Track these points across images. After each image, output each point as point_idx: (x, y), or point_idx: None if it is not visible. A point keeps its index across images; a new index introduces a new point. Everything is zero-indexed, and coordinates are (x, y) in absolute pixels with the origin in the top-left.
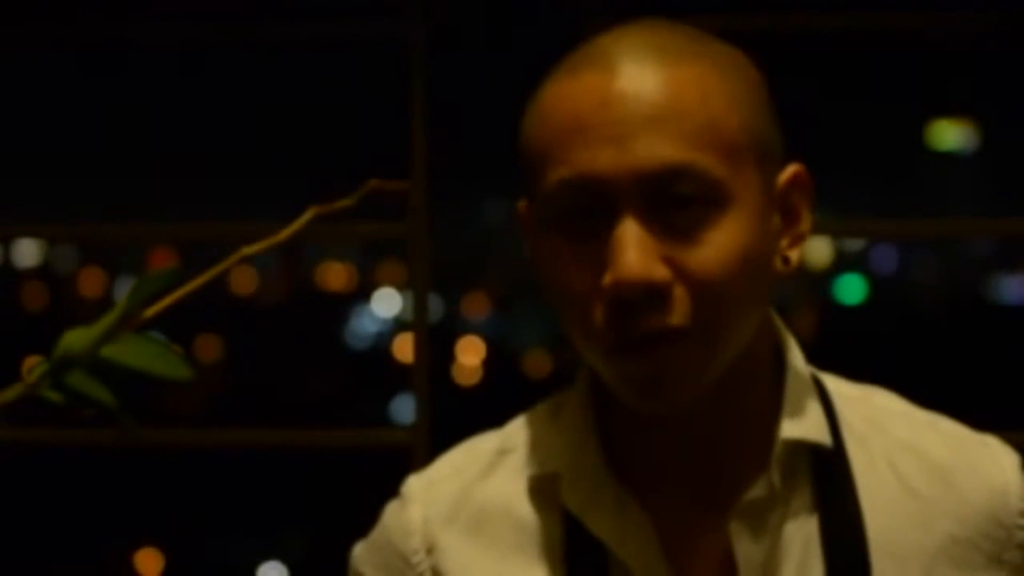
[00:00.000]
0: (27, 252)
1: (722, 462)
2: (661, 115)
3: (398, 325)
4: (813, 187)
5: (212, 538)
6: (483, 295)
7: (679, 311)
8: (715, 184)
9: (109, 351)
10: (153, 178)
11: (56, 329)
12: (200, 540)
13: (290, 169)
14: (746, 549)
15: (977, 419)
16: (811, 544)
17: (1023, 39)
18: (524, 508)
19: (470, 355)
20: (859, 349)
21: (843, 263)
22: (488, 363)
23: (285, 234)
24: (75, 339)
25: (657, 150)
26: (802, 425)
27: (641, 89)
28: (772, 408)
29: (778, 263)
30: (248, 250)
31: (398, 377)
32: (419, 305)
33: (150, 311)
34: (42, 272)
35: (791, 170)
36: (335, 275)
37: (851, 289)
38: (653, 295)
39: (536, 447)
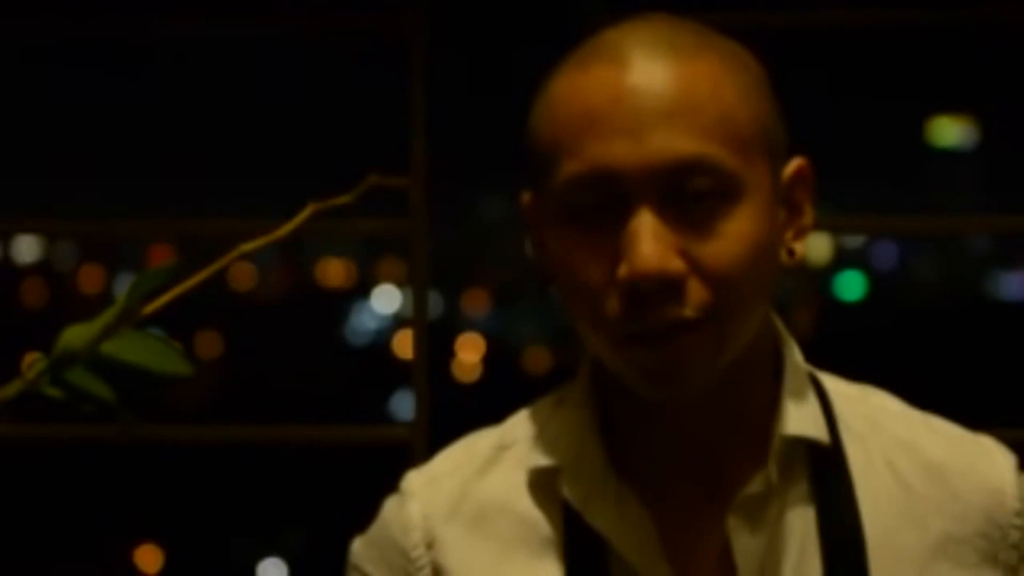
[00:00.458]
0: (27, 248)
1: (721, 457)
2: (674, 108)
3: (398, 321)
4: (815, 181)
5: (212, 534)
6: (483, 292)
7: (693, 302)
8: (729, 176)
9: (109, 347)
10: (153, 178)
11: (56, 325)
12: (200, 536)
13: (290, 165)
14: (744, 543)
15: (977, 415)
16: (808, 538)
17: (1022, 35)
18: (524, 502)
19: (470, 351)
20: (859, 345)
21: (843, 259)
22: (487, 359)
23: (284, 230)
24: (75, 335)
25: (672, 143)
26: (800, 421)
27: (654, 82)
28: (770, 404)
29: (784, 255)
30: (247, 246)
31: (397, 373)
32: (419, 301)
33: (150, 307)
34: (42, 268)
35: (795, 164)
36: (335, 272)
37: (851, 285)
38: (668, 287)
39: (536, 441)
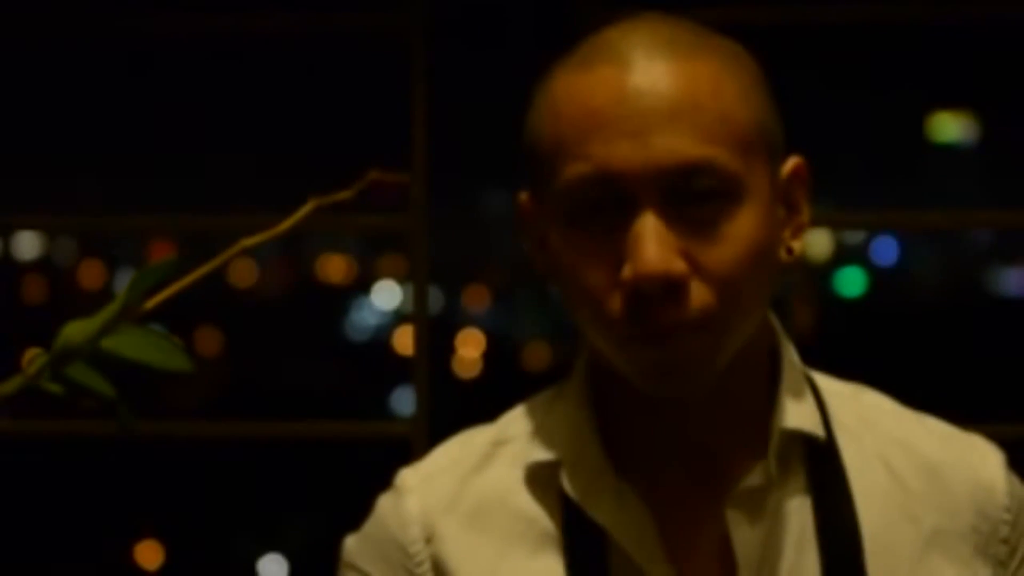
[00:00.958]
0: (27, 245)
1: (718, 451)
2: (677, 110)
3: (398, 317)
4: (811, 179)
5: (212, 530)
6: (483, 288)
7: (696, 304)
8: (731, 178)
9: (109, 343)
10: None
11: (56, 321)
12: (200, 532)
13: (290, 162)
14: (743, 535)
15: (977, 411)
16: (806, 531)
17: (1023, 31)
18: (522, 496)
19: (470, 347)
20: (860, 341)
21: (843, 255)
22: (488, 355)
23: (285, 226)
24: (75, 331)
25: (675, 145)
26: (798, 416)
27: (657, 83)
28: (767, 400)
29: (783, 253)
30: (248, 242)
31: (398, 369)
32: (419, 297)
33: (150, 303)
34: (42, 265)
35: (792, 163)
36: (335, 267)
37: (851, 281)
38: (671, 288)
39: (534, 436)
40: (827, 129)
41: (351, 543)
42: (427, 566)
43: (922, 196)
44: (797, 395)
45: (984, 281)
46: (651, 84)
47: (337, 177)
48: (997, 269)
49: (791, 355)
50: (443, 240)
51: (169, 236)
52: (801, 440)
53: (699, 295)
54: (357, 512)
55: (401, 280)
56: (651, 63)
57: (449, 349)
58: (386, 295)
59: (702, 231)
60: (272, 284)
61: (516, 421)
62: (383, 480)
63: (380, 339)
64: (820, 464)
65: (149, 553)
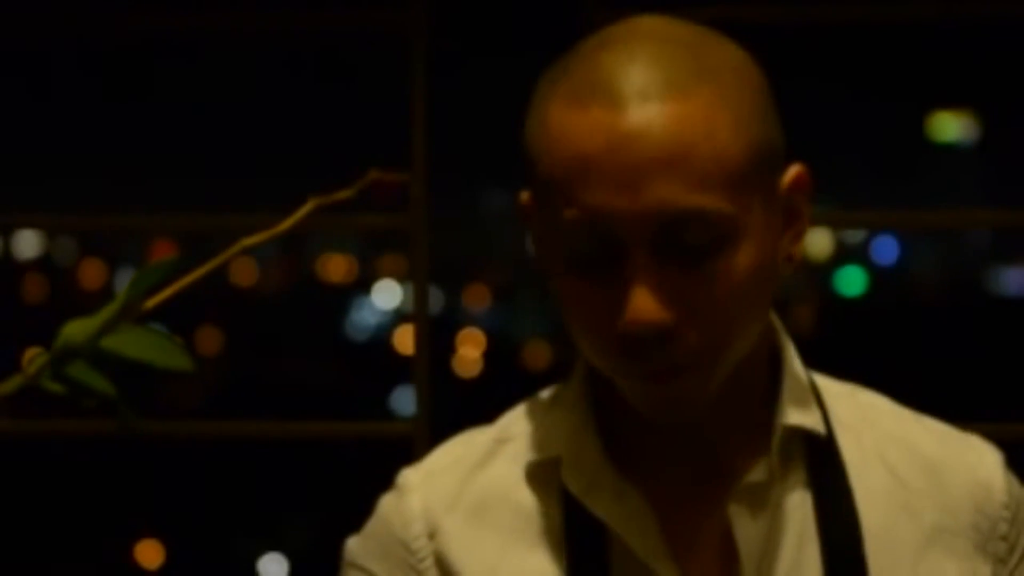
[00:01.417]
0: (27, 244)
1: (719, 448)
2: (669, 157)
3: (398, 317)
4: (813, 187)
5: (213, 530)
6: (483, 287)
7: (690, 347)
8: (724, 221)
9: (109, 342)
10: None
11: (57, 320)
12: (201, 532)
13: (290, 162)
14: (746, 530)
15: (977, 410)
16: (807, 526)
17: (1023, 30)
18: (524, 494)
19: (470, 347)
20: (860, 340)
21: (843, 255)
22: (488, 355)
23: (285, 225)
24: (75, 330)
25: (667, 195)
26: (800, 413)
27: (650, 128)
28: (768, 398)
29: (782, 262)
30: (248, 241)
31: (398, 369)
32: (419, 297)
33: (150, 302)
34: (42, 264)
35: (793, 171)
36: (335, 267)
37: (851, 281)
38: (663, 335)
39: (535, 434)
40: (828, 129)
41: (353, 543)
42: (430, 562)
43: (922, 196)
44: (798, 393)
45: (984, 281)
46: (643, 129)
47: (337, 177)
48: (997, 269)
49: (792, 353)
50: (443, 240)
51: (169, 236)
52: (802, 437)
53: (690, 339)
54: (357, 512)
55: (401, 279)
56: (644, 104)
57: (450, 348)
58: (386, 294)
59: (695, 273)
60: (272, 284)
61: (517, 420)
62: (383, 480)
63: (380, 338)
64: (821, 461)
65: (149, 552)
